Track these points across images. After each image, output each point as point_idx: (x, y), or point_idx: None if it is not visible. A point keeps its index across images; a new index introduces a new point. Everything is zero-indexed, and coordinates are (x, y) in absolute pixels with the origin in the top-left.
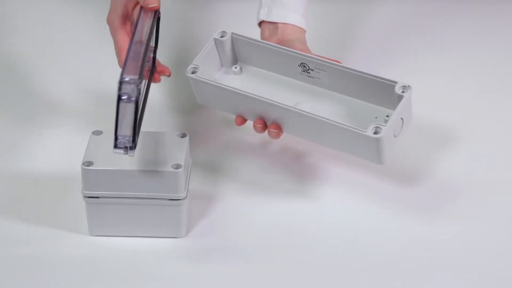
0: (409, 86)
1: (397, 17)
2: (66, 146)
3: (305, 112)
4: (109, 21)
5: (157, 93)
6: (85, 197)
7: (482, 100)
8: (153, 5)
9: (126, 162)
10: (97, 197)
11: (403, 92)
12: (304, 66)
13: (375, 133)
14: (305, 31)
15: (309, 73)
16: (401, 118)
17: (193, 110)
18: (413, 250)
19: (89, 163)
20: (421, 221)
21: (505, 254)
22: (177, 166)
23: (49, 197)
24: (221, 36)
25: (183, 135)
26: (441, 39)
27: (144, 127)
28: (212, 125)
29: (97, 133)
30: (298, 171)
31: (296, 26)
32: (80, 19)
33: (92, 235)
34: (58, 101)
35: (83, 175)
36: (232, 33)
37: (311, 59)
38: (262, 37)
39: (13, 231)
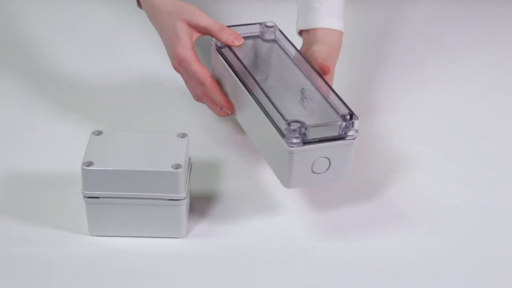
0: (353, 138)
1: (393, 20)
2: (66, 146)
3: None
4: (181, 56)
5: (157, 93)
6: (85, 197)
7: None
8: (239, 43)
9: (126, 162)
10: (97, 197)
11: (344, 135)
12: (303, 93)
13: (290, 145)
14: (338, 32)
15: (303, 101)
16: (327, 158)
17: (193, 110)
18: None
19: (89, 163)
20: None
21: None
22: (177, 166)
23: (49, 197)
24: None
25: (183, 135)
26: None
27: (144, 127)
28: (212, 125)
29: (97, 133)
30: None
31: (328, 29)
32: (80, 20)
33: (92, 235)
34: (58, 101)
35: (83, 175)
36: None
37: (307, 87)
38: (302, 46)
39: (13, 231)
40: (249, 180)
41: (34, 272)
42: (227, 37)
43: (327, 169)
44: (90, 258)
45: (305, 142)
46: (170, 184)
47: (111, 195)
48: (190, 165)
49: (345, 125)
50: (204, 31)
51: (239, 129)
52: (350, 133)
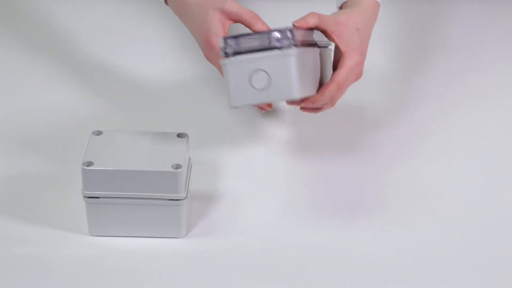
0: (288, 48)
1: (392, 19)
2: (66, 146)
3: None
4: (212, 44)
5: (157, 93)
6: (85, 197)
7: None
8: None
9: (126, 162)
10: (97, 197)
11: (279, 46)
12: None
13: (223, 58)
14: (371, 1)
15: None
16: (265, 72)
17: (193, 110)
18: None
19: (89, 163)
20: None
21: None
22: (177, 166)
23: (49, 197)
24: None
25: (183, 135)
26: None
27: (144, 127)
28: (212, 125)
29: (97, 133)
30: (298, 172)
31: None
32: (81, 20)
33: (92, 235)
34: (58, 101)
35: (83, 175)
36: None
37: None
38: None
39: (13, 231)
40: (249, 180)
41: (34, 272)
42: (258, 26)
43: (269, 85)
44: (90, 258)
45: (236, 53)
46: (170, 184)
47: (111, 195)
48: (190, 165)
49: (279, 36)
50: (236, 18)
51: (239, 128)
52: (285, 44)
